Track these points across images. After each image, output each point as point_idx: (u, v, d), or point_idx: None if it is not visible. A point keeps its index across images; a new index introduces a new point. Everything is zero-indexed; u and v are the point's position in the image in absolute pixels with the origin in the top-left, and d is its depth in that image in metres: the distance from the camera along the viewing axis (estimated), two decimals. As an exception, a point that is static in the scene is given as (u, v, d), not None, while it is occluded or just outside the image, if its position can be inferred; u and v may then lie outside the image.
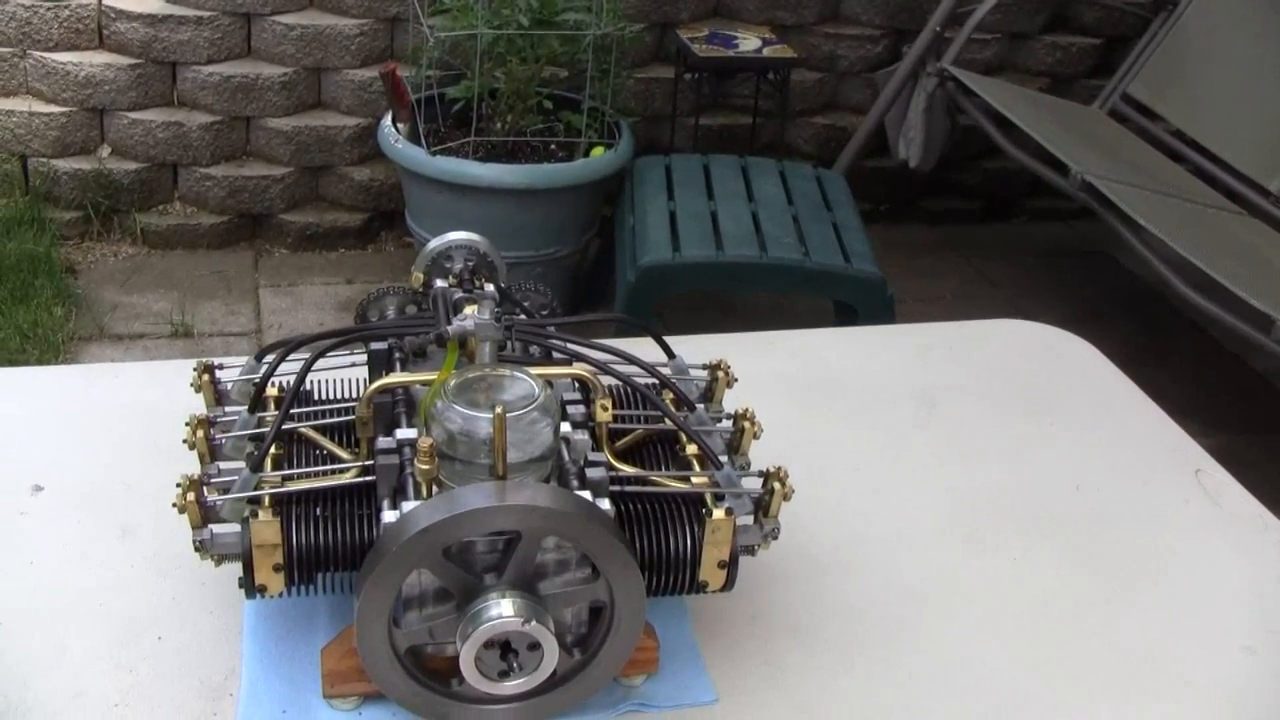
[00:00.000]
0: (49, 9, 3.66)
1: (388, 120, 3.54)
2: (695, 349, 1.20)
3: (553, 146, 3.50)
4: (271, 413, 1.06)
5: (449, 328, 1.00)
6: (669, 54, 4.09)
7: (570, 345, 1.06)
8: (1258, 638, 1.17)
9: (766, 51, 3.88)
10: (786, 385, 1.47)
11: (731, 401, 1.14)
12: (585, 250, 3.67)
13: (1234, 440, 3.06)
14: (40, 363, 3.20)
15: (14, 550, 1.15)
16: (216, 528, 0.98)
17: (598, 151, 3.49)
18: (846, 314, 3.24)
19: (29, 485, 1.23)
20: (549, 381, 0.99)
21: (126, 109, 3.76)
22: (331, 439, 1.04)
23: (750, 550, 1.04)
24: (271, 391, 1.09)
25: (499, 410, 0.90)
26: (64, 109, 3.74)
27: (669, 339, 1.18)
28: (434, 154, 3.35)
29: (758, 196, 3.39)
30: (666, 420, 1.06)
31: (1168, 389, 1.64)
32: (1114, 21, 4.35)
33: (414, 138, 3.44)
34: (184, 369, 1.14)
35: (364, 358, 1.10)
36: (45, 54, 3.71)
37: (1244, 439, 3.17)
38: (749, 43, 3.92)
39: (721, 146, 3.98)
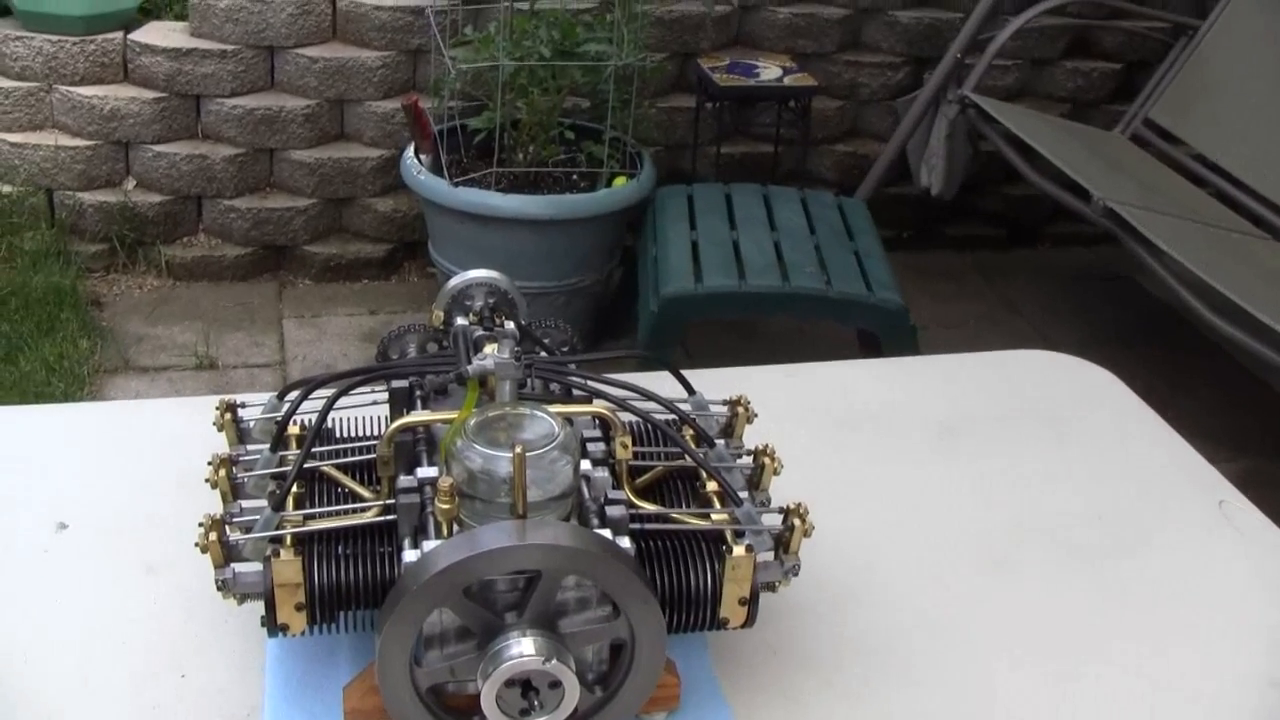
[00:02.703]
0: (75, 43, 3.69)
1: (410, 151, 3.55)
2: (715, 382, 1.20)
3: (575, 177, 3.51)
4: (293, 451, 1.06)
5: (469, 367, 1.01)
6: (690, 83, 4.10)
7: (590, 383, 1.07)
8: (1283, 671, 1.16)
9: (787, 80, 3.89)
10: (807, 418, 1.47)
11: (753, 435, 1.14)
12: (608, 280, 3.67)
13: (1260, 465, 3.05)
14: (66, 395, 3.22)
15: (38, 587, 1.16)
16: (239, 566, 0.98)
17: (620, 181, 3.49)
18: (870, 340, 3.24)
19: (54, 522, 1.24)
20: (569, 419, 0.99)
21: (151, 142, 3.79)
22: (353, 477, 1.04)
23: (771, 586, 1.04)
24: (293, 430, 1.09)
25: (519, 449, 0.90)
26: (89, 142, 3.77)
27: (690, 370, 1.18)
28: (456, 185, 3.36)
29: (780, 225, 3.39)
30: (687, 457, 1.06)
31: (1193, 413, 1.63)
32: (1135, 47, 4.34)
33: (436, 169, 3.45)
34: (207, 404, 1.14)
35: (385, 395, 1.10)
36: (71, 88, 3.74)
37: (1271, 463, 3.16)
38: (770, 71, 3.93)
39: (743, 175, 3.98)
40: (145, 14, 3.90)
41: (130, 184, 3.85)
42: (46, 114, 3.79)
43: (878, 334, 3.16)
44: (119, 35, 3.75)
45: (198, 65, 3.74)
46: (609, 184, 3.49)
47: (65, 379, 3.30)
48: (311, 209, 3.93)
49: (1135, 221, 3.09)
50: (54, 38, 3.69)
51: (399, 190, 3.89)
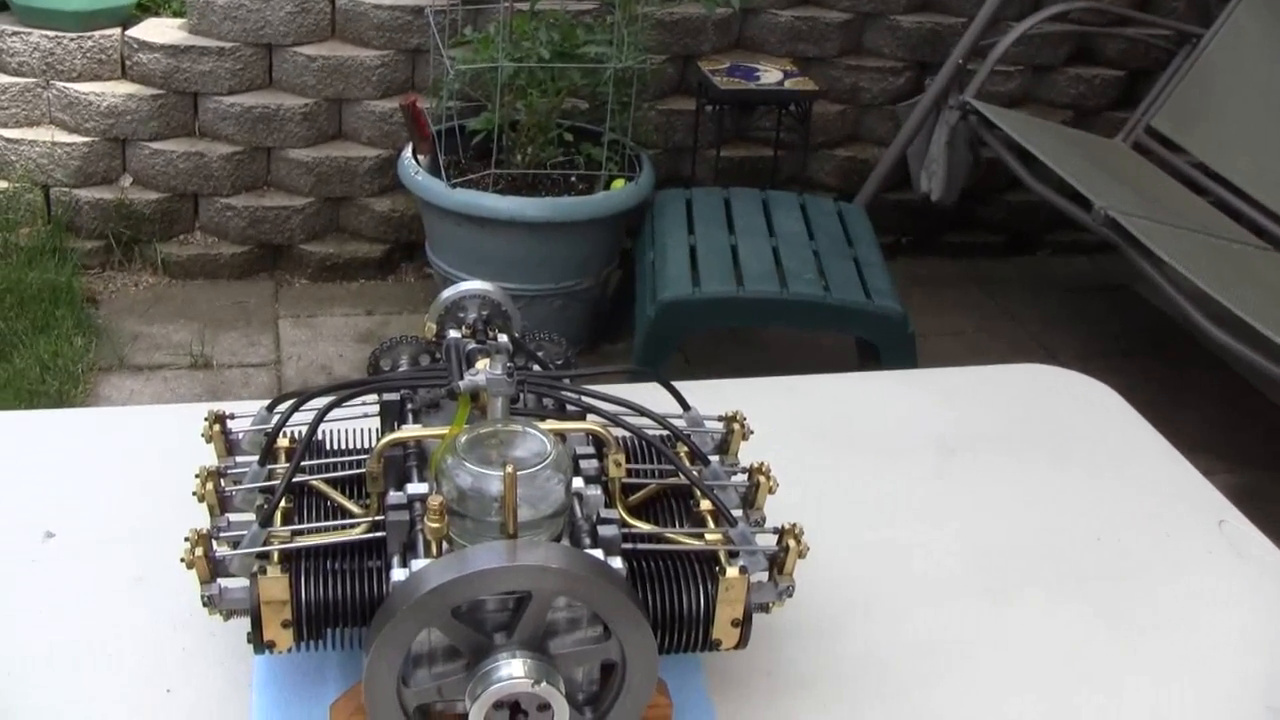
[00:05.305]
0: (72, 39, 3.68)
1: (408, 152, 3.54)
2: (712, 396, 1.18)
3: (573, 179, 3.50)
4: (282, 465, 1.05)
5: (460, 382, 0.99)
6: (690, 86, 4.09)
7: (583, 399, 1.05)
8: (1282, 696, 1.15)
9: (788, 84, 3.88)
10: (804, 432, 1.46)
11: (749, 451, 1.12)
12: (606, 283, 3.66)
13: (1260, 478, 3.04)
14: (60, 393, 3.21)
15: (24, 598, 1.14)
16: (225, 582, 0.97)
17: (618, 184, 3.48)
18: (868, 347, 3.22)
19: (41, 531, 1.22)
20: (562, 436, 0.98)
21: (148, 139, 3.78)
22: (342, 492, 1.03)
23: (765, 608, 1.02)
24: (283, 442, 1.08)
25: (510, 468, 0.88)
26: (86, 139, 3.76)
27: (685, 383, 1.17)
28: (454, 186, 3.35)
29: (779, 231, 3.38)
30: (681, 475, 1.05)
31: (1193, 425, 1.62)
32: (1138, 54, 4.33)
33: (434, 170, 3.44)
34: (198, 412, 1.13)
35: (375, 407, 1.09)
36: (68, 84, 3.72)
37: (1271, 477, 3.15)
38: (771, 75, 3.91)
39: (742, 179, 3.97)
40: (143, 10, 3.89)
41: (127, 181, 3.84)
42: (43, 110, 3.78)
43: (876, 342, 3.15)
44: (116, 31, 3.74)
45: (195, 62, 3.72)
46: (607, 187, 3.48)
47: (60, 377, 3.28)
48: (308, 208, 3.92)
49: (1136, 231, 3.07)
50: (51, 33, 3.68)
51: (396, 190, 3.88)
